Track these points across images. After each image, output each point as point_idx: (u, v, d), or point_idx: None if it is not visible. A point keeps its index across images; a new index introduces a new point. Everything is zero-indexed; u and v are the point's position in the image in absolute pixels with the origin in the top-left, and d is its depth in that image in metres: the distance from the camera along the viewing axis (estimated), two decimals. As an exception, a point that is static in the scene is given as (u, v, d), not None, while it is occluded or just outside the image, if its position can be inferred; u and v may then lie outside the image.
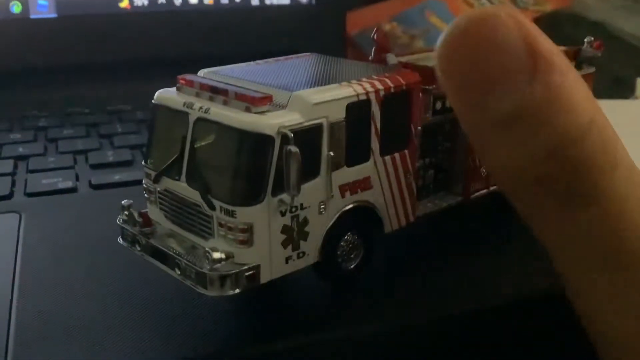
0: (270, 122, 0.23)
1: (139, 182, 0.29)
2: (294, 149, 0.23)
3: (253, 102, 0.24)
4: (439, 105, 0.30)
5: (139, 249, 0.27)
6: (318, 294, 0.29)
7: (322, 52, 0.32)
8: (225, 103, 0.25)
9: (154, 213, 0.28)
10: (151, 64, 0.60)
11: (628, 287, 0.18)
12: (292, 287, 0.29)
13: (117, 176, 0.42)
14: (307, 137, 0.24)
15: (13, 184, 0.42)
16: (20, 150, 0.48)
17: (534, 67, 0.17)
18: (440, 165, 0.32)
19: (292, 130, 0.23)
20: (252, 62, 0.31)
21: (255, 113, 0.24)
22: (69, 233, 0.34)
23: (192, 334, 0.26)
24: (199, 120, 0.25)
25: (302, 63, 0.30)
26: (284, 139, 0.23)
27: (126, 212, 0.27)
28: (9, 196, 0.40)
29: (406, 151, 0.29)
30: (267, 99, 0.24)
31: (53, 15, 0.63)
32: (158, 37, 0.65)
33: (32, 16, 0.62)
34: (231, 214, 0.24)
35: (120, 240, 0.28)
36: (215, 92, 0.25)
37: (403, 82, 0.28)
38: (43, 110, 0.57)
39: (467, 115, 0.19)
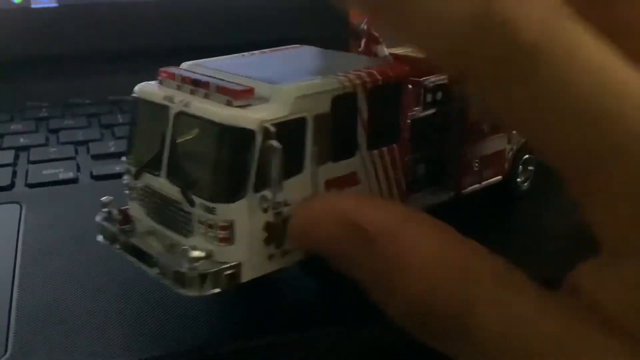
0: (252, 116, 0.23)
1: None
2: (275, 143, 0.22)
3: (234, 95, 0.23)
4: (429, 97, 0.30)
5: (118, 247, 0.26)
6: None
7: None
8: (206, 96, 0.24)
9: (135, 210, 0.27)
10: (153, 54, 0.60)
11: None
12: (279, 282, 0.28)
13: (119, 167, 0.42)
14: (290, 131, 0.23)
15: (14, 174, 0.42)
16: (21, 140, 0.48)
17: (368, 244, 0.20)
18: (431, 159, 0.31)
19: (274, 125, 0.23)
20: (238, 54, 0.30)
21: (236, 107, 0.23)
22: (70, 224, 0.34)
23: (187, 325, 0.26)
24: (180, 114, 0.24)
25: (290, 55, 0.30)
26: (266, 133, 0.23)
27: (105, 209, 0.27)
28: (10, 187, 0.40)
29: (395, 145, 0.28)
30: (248, 92, 0.23)
31: (54, 4, 0.62)
32: (160, 27, 0.65)
33: (33, 5, 0.62)
34: (211, 210, 0.23)
35: (99, 238, 0.27)
36: (196, 85, 0.25)
37: (392, 74, 0.27)
38: (44, 101, 0.57)
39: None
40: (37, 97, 0.58)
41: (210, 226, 0.23)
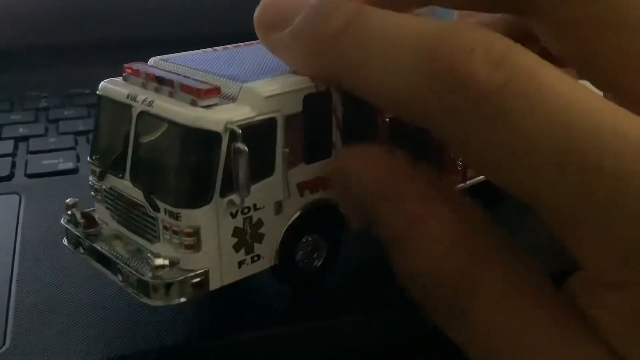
0: (217, 117, 0.22)
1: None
2: (242, 146, 0.21)
3: (199, 94, 0.22)
4: None
5: (82, 251, 0.25)
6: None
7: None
8: (170, 95, 0.23)
9: (101, 212, 0.26)
10: (153, 44, 0.59)
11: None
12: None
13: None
14: (259, 133, 0.22)
15: (13, 165, 0.42)
16: (21, 131, 0.48)
17: (394, 194, 0.20)
18: (414, 158, 0.30)
19: (241, 126, 0.22)
20: (209, 49, 0.28)
21: (201, 107, 0.22)
22: (70, 215, 0.34)
23: (187, 320, 0.26)
24: (142, 113, 0.23)
25: (262, 50, 0.28)
26: (232, 135, 0.21)
27: (69, 212, 0.26)
28: (9, 177, 0.40)
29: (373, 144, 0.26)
30: (214, 91, 0.22)
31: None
32: (159, 17, 0.64)
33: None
34: (176, 216, 0.22)
35: (64, 241, 0.26)
36: (161, 82, 0.23)
37: None
38: (44, 91, 0.57)
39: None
40: (36, 87, 0.57)
41: (175, 232, 0.22)
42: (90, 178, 0.26)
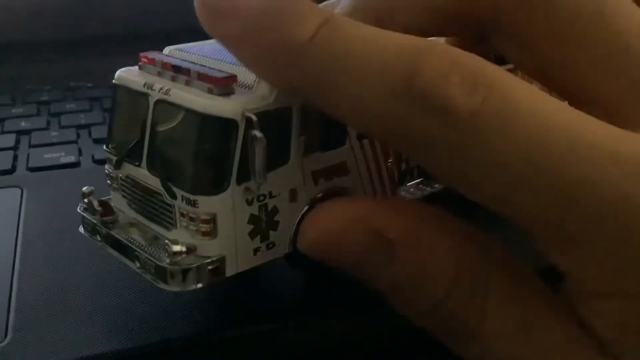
0: (234, 105, 0.22)
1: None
2: (258, 134, 0.21)
3: (215, 82, 0.22)
4: None
5: (99, 239, 0.26)
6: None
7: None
8: (187, 84, 0.23)
9: (117, 201, 0.26)
10: (155, 37, 0.59)
11: None
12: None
13: (121, 151, 0.42)
14: (275, 121, 0.23)
15: (15, 158, 0.42)
16: (23, 124, 0.48)
17: (389, 251, 0.20)
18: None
19: (257, 114, 0.22)
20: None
21: (218, 95, 0.22)
22: (72, 208, 0.34)
23: (191, 311, 0.26)
24: (159, 102, 0.23)
25: None
26: (249, 123, 0.22)
27: (86, 200, 0.26)
28: (11, 171, 0.40)
29: None
30: (231, 79, 0.22)
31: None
32: (161, 9, 0.64)
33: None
34: (193, 203, 0.22)
35: (80, 229, 0.27)
36: (177, 71, 0.24)
37: None
38: (45, 84, 0.56)
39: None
40: (38, 80, 0.57)
41: (192, 219, 0.23)
42: (106, 166, 0.27)
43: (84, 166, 0.41)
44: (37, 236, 0.31)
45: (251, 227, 0.23)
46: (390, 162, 0.28)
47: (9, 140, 0.44)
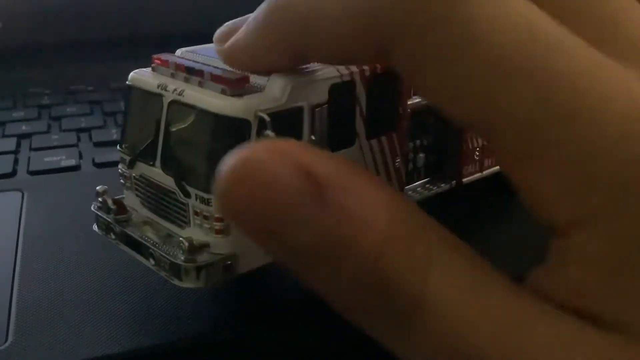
0: (247, 105, 0.22)
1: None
2: (270, 133, 0.22)
3: (229, 84, 0.23)
4: None
5: (113, 237, 0.26)
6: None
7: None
8: (200, 85, 0.24)
9: (130, 199, 0.27)
10: (155, 41, 0.59)
11: None
12: (276, 273, 0.28)
13: (121, 154, 0.42)
14: (287, 121, 0.23)
15: (16, 161, 0.42)
16: (24, 128, 0.48)
17: (317, 194, 0.16)
18: (431, 148, 0.31)
19: (270, 114, 0.22)
20: None
21: (231, 96, 0.23)
22: (72, 211, 0.34)
23: (191, 313, 0.26)
24: (173, 102, 0.24)
25: None
26: (261, 123, 0.22)
27: (100, 199, 0.26)
28: (12, 174, 0.40)
29: (394, 134, 0.27)
30: (243, 80, 0.23)
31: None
32: (161, 13, 0.64)
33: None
34: (207, 202, 0.23)
35: (94, 227, 0.27)
36: (190, 72, 0.24)
37: None
38: (46, 88, 0.57)
39: (272, 251, 0.17)
40: (39, 84, 0.57)
41: (206, 217, 0.23)
42: (120, 166, 0.27)
43: (85, 169, 0.41)
44: (37, 239, 0.31)
45: None
46: (398, 162, 0.28)
47: (9, 143, 0.45)
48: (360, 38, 0.18)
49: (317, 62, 0.22)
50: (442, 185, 0.31)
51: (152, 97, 0.25)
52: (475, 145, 0.32)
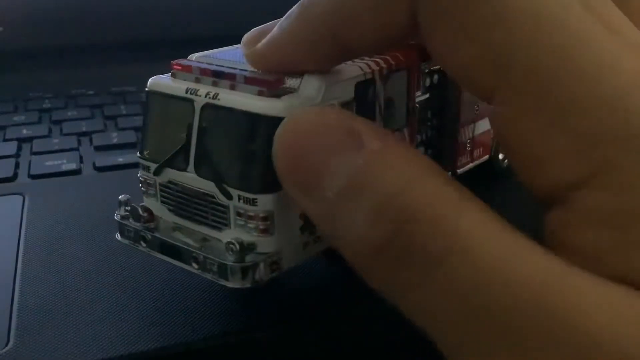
0: (288, 105, 0.23)
1: (142, 164, 0.29)
2: None
3: (268, 85, 0.23)
4: (428, 82, 0.30)
5: (144, 245, 0.26)
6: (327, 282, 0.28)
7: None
8: (232, 88, 0.24)
9: (153, 207, 0.27)
10: (156, 45, 0.60)
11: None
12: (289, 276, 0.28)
13: (122, 158, 0.42)
14: None
15: (17, 165, 0.42)
16: (24, 131, 0.48)
17: (354, 142, 0.18)
18: (430, 142, 0.32)
19: None
20: (239, 45, 0.29)
21: (269, 97, 0.23)
22: (73, 215, 0.34)
23: (193, 316, 0.26)
24: (207, 106, 0.24)
25: None
26: None
27: (127, 207, 0.26)
28: (13, 178, 0.40)
29: (405, 129, 0.28)
30: (279, 81, 0.23)
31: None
32: (162, 18, 0.65)
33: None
34: (252, 202, 0.23)
35: (118, 237, 0.27)
36: (219, 76, 0.24)
37: (403, 60, 0.27)
38: (47, 92, 0.57)
39: (311, 201, 0.19)
40: (40, 88, 0.57)
41: (251, 217, 0.23)
42: (141, 173, 0.27)
43: (85, 173, 0.41)
44: (38, 243, 0.31)
45: (302, 222, 0.24)
46: None
47: (10, 147, 0.45)
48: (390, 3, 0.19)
49: (353, 49, 0.22)
50: None
51: (179, 102, 0.25)
52: (468, 136, 0.33)
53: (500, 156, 0.37)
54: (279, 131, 0.20)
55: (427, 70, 0.29)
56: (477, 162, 0.34)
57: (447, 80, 0.31)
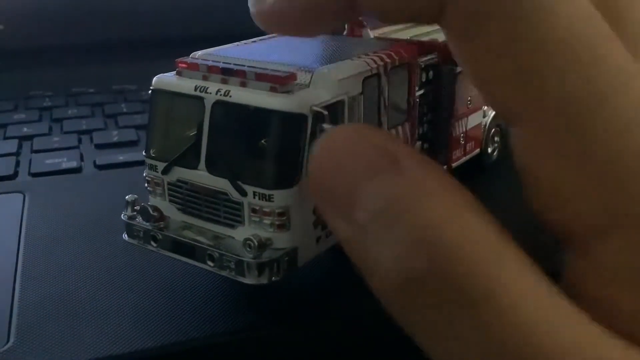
0: (302, 100, 0.23)
1: (143, 163, 0.28)
2: (327, 126, 0.23)
3: (279, 81, 0.23)
4: (424, 77, 0.30)
5: (154, 244, 0.26)
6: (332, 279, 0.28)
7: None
8: (242, 84, 0.24)
9: (160, 206, 0.26)
10: (156, 43, 0.60)
11: None
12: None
13: (122, 156, 0.42)
14: (332, 113, 0.24)
15: (17, 164, 0.42)
16: (25, 130, 0.48)
17: (391, 165, 0.17)
18: (425, 136, 0.32)
19: (323, 108, 0.23)
20: (240, 43, 0.29)
21: (282, 93, 0.23)
22: (73, 213, 0.34)
23: (194, 314, 0.26)
24: (218, 103, 0.24)
25: (294, 41, 0.29)
26: (318, 117, 0.23)
27: (136, 207, 0.26)
28: (13, 176, 0.40)
29: (406, 124, 0.29)
30: (291, 77, 0.23)
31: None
32: (162, 16, 0.64)
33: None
34: (268, 198, 0.23)
35: (126, 237, 0.27)
36: (228, 74, 0.24)
37: (405, 55, 0.28)
38: (47, 90, 0.57)
39: (341, 222, 0.18)
40: (40, 86, 0.57)
41: (267, 214, 0.23)
42: (147, 172, 0.27)
43: (86, 172, 0.41)
44: (39, 241, 0.31)
45: (315, 217, 0.24)
46: None
47: (11, 145, 0.45)
48: None
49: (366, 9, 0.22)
50: None
51: (187, 100, 0.25)
52: (461, 131, 0.34)
53: (489, 150, 0.37)
54: (314, 148, 0.19)
55: (422, 66, 0.30)
56: (469, 156, 0.35)
57: (442, 75, 0.31)
